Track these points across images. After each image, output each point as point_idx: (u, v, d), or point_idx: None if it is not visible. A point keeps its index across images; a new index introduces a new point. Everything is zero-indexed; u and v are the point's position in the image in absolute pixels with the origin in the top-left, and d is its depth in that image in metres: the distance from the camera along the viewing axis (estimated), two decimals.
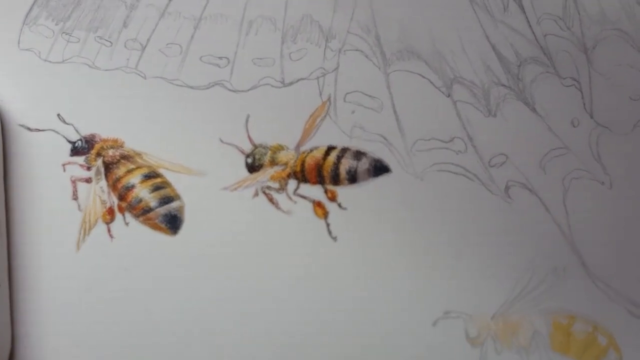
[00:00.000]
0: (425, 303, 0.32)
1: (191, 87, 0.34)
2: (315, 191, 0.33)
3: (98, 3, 0.34)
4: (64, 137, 0.33)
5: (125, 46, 0.34)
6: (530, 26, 0.36)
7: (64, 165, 0.32)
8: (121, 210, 0.32)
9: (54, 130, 0.33)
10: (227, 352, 0.32)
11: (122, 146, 0.33)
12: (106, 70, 0.34)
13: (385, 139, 0.34)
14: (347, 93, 0.34)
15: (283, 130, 0.34)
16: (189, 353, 0.31)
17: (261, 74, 0.34)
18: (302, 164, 0.33)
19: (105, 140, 0.33)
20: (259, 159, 0.33)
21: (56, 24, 0.34)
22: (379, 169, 0.33)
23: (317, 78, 0.34)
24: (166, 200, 0.32)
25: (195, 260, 0.32)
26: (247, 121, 0.33)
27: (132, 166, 0.32)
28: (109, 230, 0.32)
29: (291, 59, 0.34)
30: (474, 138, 0.34)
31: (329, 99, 0.34)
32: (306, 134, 0.33)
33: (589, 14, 0.36)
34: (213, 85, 0.34)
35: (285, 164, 0.33)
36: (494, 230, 0.33)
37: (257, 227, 0.32)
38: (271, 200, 0.33)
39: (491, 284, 0.33)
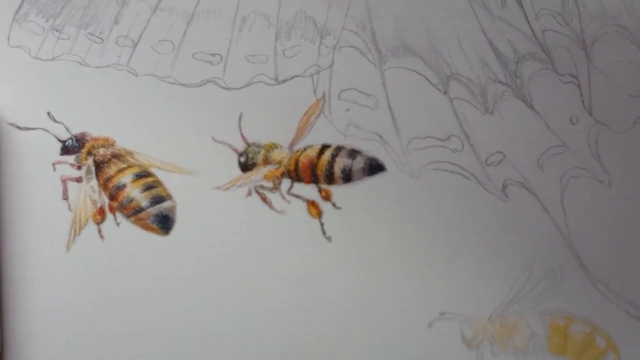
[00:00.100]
0: (420, 304, 0.31)
1: (183, 85, 0.33)
2: (309, 190, 0.32)
3: None
4: (54, 135, 0.32)
5: (116, 43, 0.33)
6: (528, 22, 0.35)
7: (54, 164, 0.31)
8: (112, 210, 0.31)
9: (44, 129, 0.32)
10: (219, 353, 0.31)
11: (113, 145, 0.32)
12: (97, 67, 0.33)
13: (380, 137, 0.33)
14: (342, 90, 0.33)
15: (277, 128, 0.33)
16: (181, 354, 0.30)
17: (254, 71, 0.33)
18: (296, 163, 0.32)
19: (96, 139, 0.32)
20: (252, 158, 0.32)
21: (46, 21, 0.33)
22: (374, 167, 0.32)
23: (312, 75, 0.33)
24: (158, 200, 0.31)
25: (187, 260, 0.31)
26: (240, 119, 0.33)
27: (123, 165, 0.31)
28: (99, 231, 0.31)
29: (285, 56, 0.33)
30: (470, 136, 0.33)
31: (323, 97, 0.33)
32: (300, 132, 0.32)
33: (589, 10, 0.35)
34: (206, 83, 0.33)
35: (279, 162, 0.32)
36: (491, 229, 0.32)
37: (250, 227, 0.31)
38: (264, 199, 0.32)
39: (488, 284, 0.32)
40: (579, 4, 0.35)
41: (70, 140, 0.32)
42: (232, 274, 0.31)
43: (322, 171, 0.32)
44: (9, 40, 0.33)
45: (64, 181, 0.32)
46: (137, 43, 0.33)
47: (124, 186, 0.32)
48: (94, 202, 0.31)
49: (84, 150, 0.32)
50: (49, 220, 0.31)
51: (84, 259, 0.31)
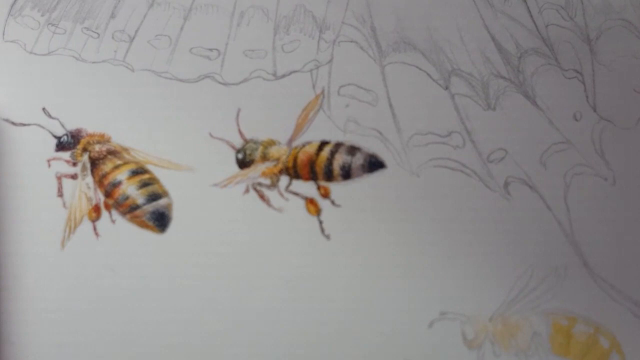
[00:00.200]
0: (420, 304, 0.31)
1: (180, 80, 0.32)
2: (307, 188, 0.31)
3: None
4: (49, 131, 0.31)
5: (112, 38, 0.32)
6: (531, 16, 0.34)
7: (49, 160, 0.31)
8: (107, 207, 0.30)
9: (39, 125, 0.31)
10: (216, 353, 0.30)
11: (109, 141, 0.31)
12: (93, 62, 0.32)
13: (380, 133, 0.32)
14: (341, 86, 0.33)
15: (275, 124, 0.32)
16: (178, 353, 0.29)
17: (253, 66, 0.33)
18: (295, 160, 0.31)
19: (91, 135, 0.31)
20: (250, 155, 0.31)
21: (42, 15, 0.32)
22: (374, 164, 0.32)
23: (311, 70, 0.33)
24: (154, 197, 0.30)
25: (184, 258, 0.30)
26: (237, 115, 0.32)
27: (119, 162, 0.31)
28: (94, 228, 0.30)
29: (284, 51, 0.32)
30: (472, 132, 0.32)
31: (322, 92, 0.32)
32: (299, 128, 0.31)
33: (593, 3, 0.34)
34: (203, 78, 0.32)
35: (277, 159, 0.31)
36: (493, 228, 0.31)
37: (247, 224, 0.31)
38: (262, 197, 0.31)
39: (489, 284, 0.31)
40: None
41: (65, 137, 0.31)
42: (229, 272, 0.30)
43: (320, 168, 0.31)
44: (3, 34, 0.32)
45: (59, 178, 0.31)
46: (134, 38, 0.33)
47: (119, 183, 0.31)
48: (89, 199, 0.31)
49: (80, 147, 0.31)
50: (44, 218, 0.30)
51: (78, 256, 0.30)
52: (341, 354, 0.31)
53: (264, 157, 0.32)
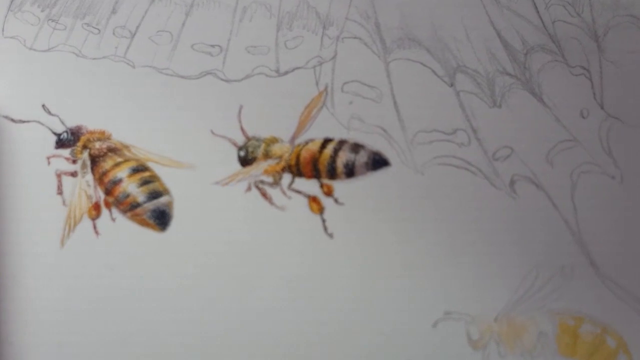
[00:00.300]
0: (425, 303, 0.30)
1: (182, 77, 0.31)
2: (310, 186, 0.30)
3: None
4: (49, 128, 0.31)
5: (113, 34, 0.31)
6: (538, 12, 0.33)
7: (48, 158, 0.30)
8: (108, 205, 0.29)
9: (38, 122, 0.31)
10: (217, 352, 0.29)
11: (109, 138, 0.30)
12: (93, 59, 0.31)
13: (384, 131, 0.31)
14: (345, 83, 0.32)
15: (277, 121, 0.31)
16: (178, 353, 0.29)
17: (255, 62, 0.32)
18: (297, 157, 0.30)
19: (91, 132, 0.30)
20: (252, 152, 0.30)
21: (42, 11, 0.32)
22: (378, 162, 0.31)
23: (314, 67, 0.32)
24: (155, 195, 0.29)
25: (185, 257, 0.29)
26: (240, 112, 0.31)
27: (120, 159, 0.30)
28: (94, 227, 0.29)
29: (287, 47, 0.32)
30: (477, 130, 0.32)
31: (325, 89, 0.32)
32: (302, 125, 0.31)
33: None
34: (205, 75, 0.31)
35: (280, 157, 0.30)
36: (498, 226, 0.31)
37: (249, 223, 0.30)
38: (264, 195, 0.30)
39: (495, 283, 0.30)
40: None
41: (65, 134, 0.30)
42: (231, 271, 0.30)
43: (324, 166, 0.31)
44: (3, 30, 0.32)
45: (58, 175, 0.30)
46: (135, 34, 0.32)
47: (120, 181, 0.30)
48: (89, 197, 0.30)
49: (80, 144, 0.30)
50: (43, 216, 0.30)
51: (78, 255, 0.30)
52: (343, 354, 0.30)
53: (267, 155, 0.31)
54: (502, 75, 0.33)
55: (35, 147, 0.31)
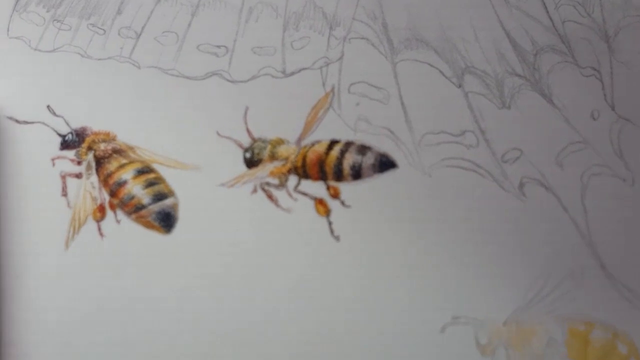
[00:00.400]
0: (432, 307, 0.29)
1: (187, 78, 0.31)
2: (317, 188, 0.30)
3: None
4: (53, 130, 0.30)
5: (119, 34, 0.31)
6: (547, 12, 0.32)
7: (53, 159, 0.30)
8: (112, 207, 0.29)
9: (43, 123, 0.30)
10: (222, 353, 0.28)
11: (114, 140, 0.30)
12: (99, 59, 0.31)
13: (391, 132, 0.31)
14: (352, 84, 0.31)
15: (284, 123, 0.31)
16: (183, 355, 0.28)
17: (261, 63, 0.32)
18: (304, 159, 0.30)
19: (96, 134, 0.30)
20: (258, 154, 0.30)
21: (47, 11, 0.31)
22: (385, 164, 0.30)
23: (320, 68, 0.31)
24: (160, 197, 0.29)
25: (190, 260, 0.29)
26: (246, 113, 0.31)
27: (125, 161, 0.29)
28: (99, 228, 0.29)
29: (293, 48, 0.31)
30: (486, 131, 0.31)
31: (332, 90, 0.31)
32: (308, 127, 0.30)
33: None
34: (211, 76, 0.31)
35: (286, 158, 0.30)
36: (507, 229, 0.30)
37: (255, 225, 0.29)
38: (270, 197, 0.29)
39: (503, 287, 0.29)
40: None
41: (70, 135, 0.30)
42: (236, 273, 0.29)
43: (330, 168, 0.30)
44: (8, 31, 0.31)
45: (63, 177, 0.30)
46: (140, 34, 0.31)
47: (125, 182, 0.29)
48: (94, 199, 0.29)
49: (84, 145, 0.30)
50: (48, 217, 0.29)
51: (83, 257, 0.29)
52: (350, 358, 0.29)
53: (273, 157, 0.30)
54: (511, 76, 0.32)
55: (39, 148, 0.30)
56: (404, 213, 0.31)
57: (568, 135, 0.32)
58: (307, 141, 0.31)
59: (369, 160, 0.31)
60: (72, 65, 0.31)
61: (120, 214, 0.30)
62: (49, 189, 0.30)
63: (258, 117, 0.31)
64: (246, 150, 0.31)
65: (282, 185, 0.31)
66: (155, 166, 0.30)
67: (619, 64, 0.33)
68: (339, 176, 0.31)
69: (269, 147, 0.31)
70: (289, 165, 0.31)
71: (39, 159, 0.30)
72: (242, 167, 0.31)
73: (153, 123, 0.31)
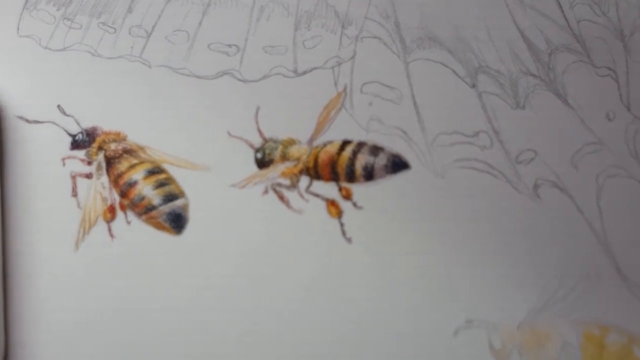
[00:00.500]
0: (445, 310, 0.28)
1: (198, 77, 0.30)
2: (328, 189, 0.29)
3: None
4: (64, 129, 0.30)
5: (129, 33, 0.30)
6: (562, 11, 0.31)
7: (63, 159, 0.29)
8: (123, 208, 0.28)
9: (53, 122, 0.30)
10: (233, 355, 0.28)
11: (124, 139, 0.29)
12: (109, 58, 0.30)
13: (404, 132, 0.30)
14: (364, 83, 0.31)
15: (295, 123, 0.30)
16: (192, 356, 0.27)
17: (273, 62, 0.31)
18: (315, 160, 0.29)
19: (107, 134, 0.29)
20: (269, 154, 0.29)
21: (57, 9, 0.31)
22: (398, 165, 0.29)
23: (332, 67, 0.31)
24: (170, 198, 0.28)
25: (200, 261, 0.28)
26: (257, 113, 0.30)
27: (135, 161, 0.29)
28: (109, 229, 0.28)
29: (305, 47, 0.30)
30: (500, 132, 0.30)
31: (344, 90, 0.30)
32: (320, 127, 0.29)
33: None
34: (222, 75, 0.30)
35: (297, 159, 0.29)
36: (521, 231, 0.29)
37: (266, 227, 0.29)
38: (282, 198, 0.29)
39: (517, 290, 0.28)
40: None
41: (80, 135, 0.29)
42: (247, 275, 0.29)
43: (342, 168, 0.29)
44: (18, 29, 0.31)
45: (73, 177, 0.29)
46: (151, 33, 0.31)
47: (135, 183, 0.29)
48: (104, 200, 0.29)
49: (95, 145, 0.29)
50: (57, 218, 0.29)
51: (93, 258, 0.29)
52: None
53: (284, 157, 0.30)
54: (526, 76, 0.31)
55: (49, 148, 0.30)
56: (416, 214, 0.30)
57: (583, 136, 0.31)
58: (318, 141, 0.30)
59: (381, 161, 0.30)
60: (83, 64, 0.31)
61: (130, 214, 0.29)
62: (59, 189, 0.29)
63: (269, 117, 0.30)
64: (257, 150, 0.30)
65: (293, 186, 0.30)
66: (165, 166, 0.30)
67: (634, 63, 0.32)
68: (351, 177, 0.30)
69: (280, 147, 0.30)
70: (300, 165, 0.30)
71: (49, 159, 0.30)
72: (253, 168, 0.30)
73: (164, 123, 0.30)
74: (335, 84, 0.31)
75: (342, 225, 0.30)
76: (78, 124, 0.30)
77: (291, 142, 0.30)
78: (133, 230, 0.29)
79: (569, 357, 0.29)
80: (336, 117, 0.31)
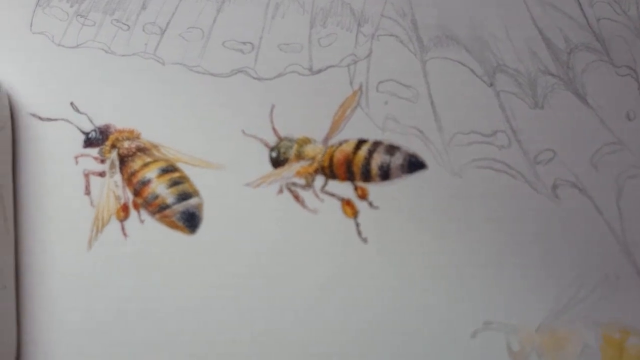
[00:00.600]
0: (463, 312, 0.28)
1: (213, 75, 0.29)
2: (344, 188, 0.28)
3: None
4: (77, 127, 0.29)
5: (143, 30, 0.30)
6: (582, 9, 0.31)
7: (76, 157, 0.28)
8: (136, 206, 0.27)
9: (66, 120, 0.29)
10: (246, 355, 0.27)
11: (138, 137, 0.28)
12: (123, 55, 0.29)
13: (420, 132, 0.29)
14: (380, 82, 0.30)
15: (310, 121, 0.30)
16: (204, 356, 0.27)
17: (288, 60, 0.30)
18: (331, 159, 0.28)
19: (120, 131, 0.28)
20: (284, 153, 0.28)
21: (71, 6, 0.30)
22: (414, 164, 0.29)
23: (348, 65, 0.30)
24: (184, 197, 0.27)
25: (214, 261, 0.27)
26: (272, 112, 0.29)
27: (149, 159, 0.28)
28: (122, 228, 0.27)
29: (320, 45, 0.30)
30: (518, 132, 0.29)
31: (360, 88, 0.30)
32: (335, 126, 0.29)
33: None
34: (236, 73, 0.30)
35: (312, 158, 0.28)
36: (540, 232, 0.29)
37: (281, 226, 0.28)
38: (297, 197, 0.28)
39: (536, 292, 0.28)
40: None
41: (93, 132, 0.29)
42: (261, 275, 0.28)
43: (358, 168, 0.28)
44: (31, 26, 0.30)
45: (86, 175, 0.28)
46: (165, 30, 0.30)
47: (149, 181, 0.28)
48: (117, 198, 0.28)
49: (108, 143, 0.29)
50: (70, 216, 0.28)
51: (106, 257, 0.28)
52: None
53: (299, 156, 0.29)
54: (544, 75, 0.31)
55: (62, 146, 0.29)
56: (433, 215, 0.29)
57: (603, 136, 0.30)
58: (334, 140, 0.30)
59: (397, 160, 0.29)
60: (96, 62, 0.30)
61: (144, 213, 0.28)
62: (72, 188, 0.29)
63: (284, 116, 0.30)
64: (272, 149, 0.29)
65: (308, 185, 0.29)
66: (179, 165, 0.29)
67: None
68: (366, 177, 0.29)
69: (295, 146, 0.29)
70: (315, 165, 0.29)
71: (62, 157, 0.29)
72: (268, 167, 0.29)
73: (177, 121, 0.29)
74: (351, 83, 0.30)
75: (357, 225, 0.29)
76: (91, 121, 0.29)
77: (306, 141, 0.30)
78: (146, 229, 0.28)
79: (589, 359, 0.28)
80: (352, 116, 0.30)
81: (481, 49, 0.31)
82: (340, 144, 0.30)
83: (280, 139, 0.30)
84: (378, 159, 0.29)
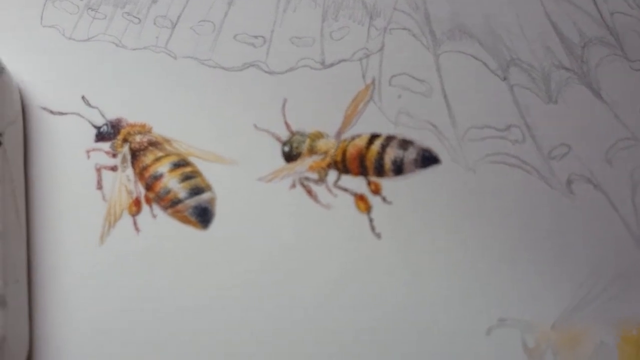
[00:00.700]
0: (477, 309, 0.27)
1: (224, 68, 0.29)
2: (357, 183, 0.28)
3: None
4: (88, 121, 0.28)
5: (154, 23, 0.29)
6: (595, 3, 0.30)
7: (88, 151, 0.28)
8: (148, 201, 0.27)
9: (78, 114, 0.28)
10: (259, 352, 0.26)
11: (150, 132, 0.28)
12: (134, 49, 0.29)
13: (434, 126, 0.29)
14: (393, 76, 0.29)
15: (323, 116, 0.29)
16: (217, 352, 0.26)
17: (300, 54, 0.30)
18: (343, 154, 0.28)
19: (132, 125, 0.28)
20: (297, 148, 0.28)
21: None
22: (427, 159, 0.28)
23: (360, 59, 0.29)
24: (196, 191, 0.27)
25: (227, 256, 0.27)
26: (284, 106, 0.29)
27: (161, 154, 0.27)
28: (135, 223, 0.27)
29: (332, 38, 0.29)
30: (532, 127, 0.29)
31: (372, 82, 0.29)
32: (348, 120, 0.28)
33: None
34: (248, 67, 0.29)
35: (325, 153, 0.27)
36: (554, 228, 0.28)
37: (294, 221, 0.27)
38: (309, 192, 0.27)
39: (551, 288, 0.27)
40: None
41: (105, 126, 0.28)
42: (274, 270, 0.27)
43: (371, 162, 0.28)
44: (42, 19, 0.29)
45: (98, 170, 0.28)
46: (176, 23, 0.29)
47: (161, 176, 0.27)
48: (129, 193, 0.27)
49: (120, 137, 0.28)
50: (82, 211, 0.27)
51: (118, 252, 0.27)
52: None
53: (311, 151, 0.28)
54: (558, 69, 0.30)
55: (74, 140, 0.28)
56: (447, 210, 0.28)
57: (617, 131, 0.30)
58: (346, 135, 0.29)
59: (411, 155, 0.29)
60: (107, 55, 0.29)
61: (156, 208, 0.28)
62: (84, 182, 0.28)
63: (296, 110, 0.29)
64: (284, 143, 0.29)
65: (321, 180, 0.29)
66: (191, 159, 0.28)
67: None
68: (380, 171, 0.28)
69: (307, 140, 0.29)
70: (328, 159, 0.29)
71: (74, 151, 0.28)
72: (280, 161, 0.29)
73: (189, 115, 0.29)
74: (363, 76, 0.30)
75: (371, 220, 0.28)
76: (103, 115, 0.29)
77: (319, 136, 0.29)
78: (159, 224, 0.28)
79: (605, 357, 0.27)
80: (364, 110, 0.29)
81: (494, 42, 0.30)
82: (353, 138, 0.29)
83: (293, 134, 0.29)
84: (391, 154, 0.29)
